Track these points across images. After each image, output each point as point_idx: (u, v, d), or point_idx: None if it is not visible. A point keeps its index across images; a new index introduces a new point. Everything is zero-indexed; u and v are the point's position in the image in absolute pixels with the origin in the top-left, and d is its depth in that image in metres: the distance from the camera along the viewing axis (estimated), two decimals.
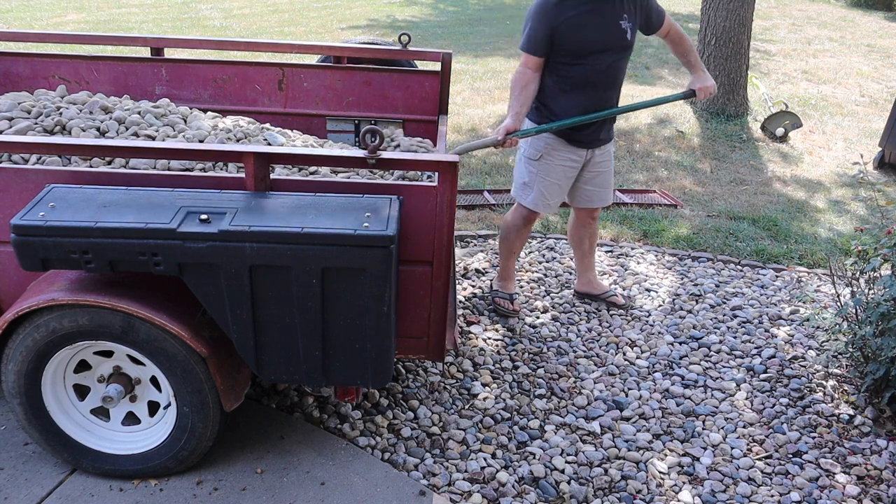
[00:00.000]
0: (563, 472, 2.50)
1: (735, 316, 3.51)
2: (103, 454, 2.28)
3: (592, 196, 3.25)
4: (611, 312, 3.48)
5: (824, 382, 3.02)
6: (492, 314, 3.41)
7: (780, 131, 6.09)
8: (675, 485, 2.49)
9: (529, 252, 4.02)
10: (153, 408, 2.30)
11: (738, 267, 4.00)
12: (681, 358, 3.17)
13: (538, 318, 3.41)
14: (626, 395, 2.92)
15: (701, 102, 6.59)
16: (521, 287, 3.67)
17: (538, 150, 3.07)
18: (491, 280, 3.56)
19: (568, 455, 2.58)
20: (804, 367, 3.13)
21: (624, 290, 3.69)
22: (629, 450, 2.62)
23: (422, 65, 3.67)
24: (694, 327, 3.40)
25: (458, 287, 3.58)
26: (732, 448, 2.65)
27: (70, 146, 2.09)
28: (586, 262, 3.49)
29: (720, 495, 2.45)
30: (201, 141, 2.64)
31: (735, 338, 3.33)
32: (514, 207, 3.28)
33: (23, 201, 2.05)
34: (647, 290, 3.71)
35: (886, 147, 5.44)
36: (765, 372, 3.09)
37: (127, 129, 2.66)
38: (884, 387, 2.79)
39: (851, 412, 2.85)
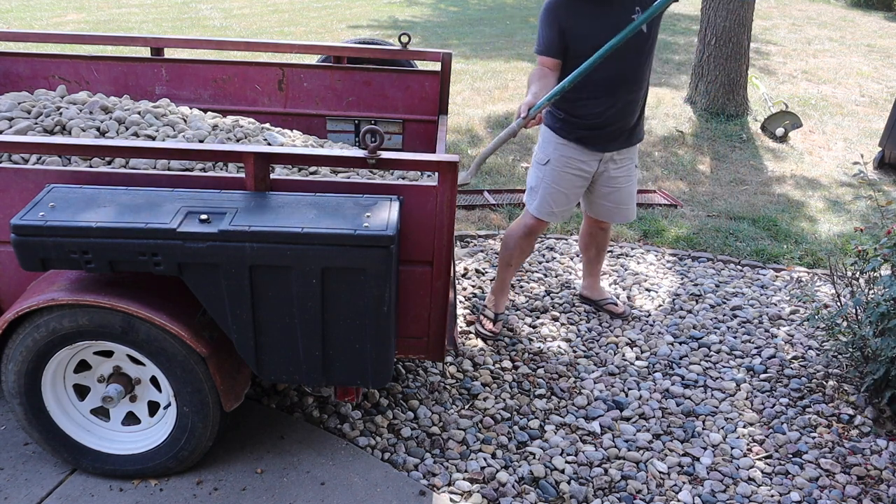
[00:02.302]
0: (563, 472, 2.50)
1: (735, 316, 3.51)
2: (103, 454, 2.28)
3: (612, 212, 3.12)
4: None
5: (824, 382, 3.02)
6: None
7: (780, 131, 6.09)
8: (675, 485, 2.49)
9: None
10: (153, 408, 2.30)
11: (738, 267, 4.00)
12: (681, 358, 3.17)
13: (538, 318, 3.41)
14: (626, 395, 2.91)
15: (701, 102, 6.58)
16: (521, 287, 3.67)
17: (546, 155, 2.94)
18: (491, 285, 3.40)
19: (568, 455, 2.58)
20: (804, 367, 3.13)
21: (624, 290, 3.69)
22: (629, 450, 2.62)
23: (422, 65, 3.67)
24: (694, 327, 3.40)
25: (458, 287, 3.58)
26: (732, 448, 2.65)
27: (70, 146, 2.09)
28: (591, 268, 3.46)
29: (720, 495, 2.45)
30: (201, 141, 2.64)
31: (735, 338, 3.33)
32: (521, 215, 3.16)
33: (23, 201, 2.05)
34: (647, 290, 3.71)
35: (886, 147, 5.43)
36: (765, 372, 3.09)
37: (127, 129, 2.66)
38: (884, 387, 2.79)
39: (851, 412, 2.85)
